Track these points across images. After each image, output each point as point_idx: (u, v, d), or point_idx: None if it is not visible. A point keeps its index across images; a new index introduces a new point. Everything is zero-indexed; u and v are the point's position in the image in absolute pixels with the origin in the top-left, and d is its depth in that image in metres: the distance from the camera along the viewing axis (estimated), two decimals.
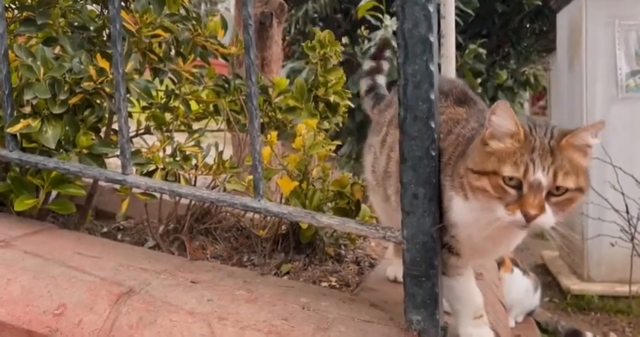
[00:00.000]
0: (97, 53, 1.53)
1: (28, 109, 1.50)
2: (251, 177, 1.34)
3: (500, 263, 3.04)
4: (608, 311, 3.80)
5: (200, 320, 1.12)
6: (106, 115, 1.67)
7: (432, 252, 1.05)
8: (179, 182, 1.58)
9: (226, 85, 1.85)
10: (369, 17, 4.89)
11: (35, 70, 1.47)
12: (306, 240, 1.62)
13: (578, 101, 4.13)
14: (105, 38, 1.69)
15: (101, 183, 1.81)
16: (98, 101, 1.58)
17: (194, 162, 1.62)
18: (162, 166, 1.55)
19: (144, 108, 1.78)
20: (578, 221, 3.79)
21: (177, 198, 1.63)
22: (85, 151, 1.52)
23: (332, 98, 1.96)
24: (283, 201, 1.58)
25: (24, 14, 1.65)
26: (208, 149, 1.67)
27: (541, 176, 0.91)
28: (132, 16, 1.57)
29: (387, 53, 1.63)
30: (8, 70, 1.46)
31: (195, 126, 1.86)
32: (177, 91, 1.78)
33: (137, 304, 1.17)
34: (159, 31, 1.59)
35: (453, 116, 1.15)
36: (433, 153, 1.02)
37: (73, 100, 1.51)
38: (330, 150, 1.68)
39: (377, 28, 4.94)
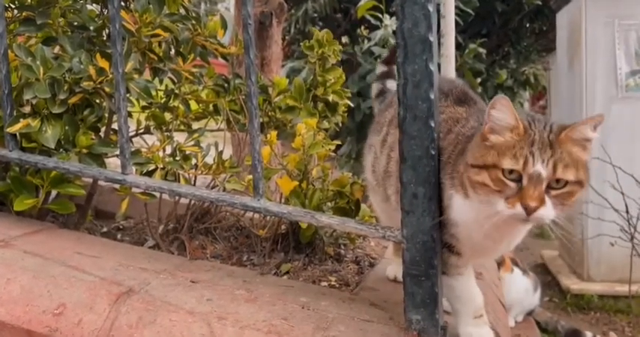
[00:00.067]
0: (97, 53, 1.53)
1: (27, 109, 1.50)
2: (251, 176, 1.34)
3: (500, 263, 3.04)
4: (608, 310, 3.80)
5: (200, 320, 1.12)
6: (106, 115, 1.67)
7: (431, 251, 1.05)
8: (179, 181, 1.58)
9: (226, 85, 1.85)
10: (368, 17, 4.89)
11: (35, 69, 1.47)
12: (305, 239, 1.62)
13: (578, 101, 4.13)
14: (104, 38, 1.69)
15: (101, 182, 1.81)
16: (98, 101, 1.58)
17: (194, 161, 1.62)
18: (161, 166, 1.55)
19: (143, 108, 1.78)
20: (578, 221, 3.80)
21: (177, 197, 1.63)
22: (84, 151, 1.52)
23: (331, 97, 1.96)
24: (283, 200, 1.58)
25: (23, 14, 1.65)
26: (208, 149, 1.67)
27: (540, 168, 0.92)
28: (131, 16, 1.57)
29: None
30: (8, 69, 1.46)
31: (195, 125, 1.86)
32: (176, 91, 1.78)
33: (137, 304, 1.17)
34: (158, 31, 1.59)
35: (453, 115, 1.15)
36: (433, 153, 1.02)
37: (73, 100, 1.51)
38: (329, 149, 1.68)
39: (377, 27, 4.94)
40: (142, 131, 1.81)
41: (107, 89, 1.50)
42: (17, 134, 1.49)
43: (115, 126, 1.63)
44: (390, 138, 1.25)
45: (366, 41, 5.01)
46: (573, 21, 4.27)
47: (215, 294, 1.23)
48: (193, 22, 1.74)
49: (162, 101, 1.79)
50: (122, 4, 1.67)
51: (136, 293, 1.21)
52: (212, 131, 1.92)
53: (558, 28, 4.74)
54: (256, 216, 1.73)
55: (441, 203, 1.05)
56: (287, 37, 5.96)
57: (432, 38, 0.99)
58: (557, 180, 0.93)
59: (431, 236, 1.04)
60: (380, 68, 1.62)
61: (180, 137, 1.71)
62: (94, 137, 1.57)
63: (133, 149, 1.50)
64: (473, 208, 1.00)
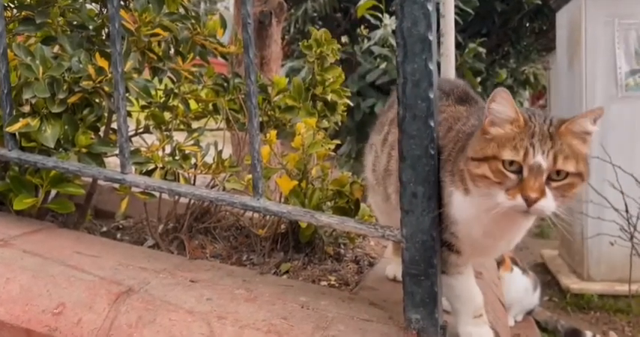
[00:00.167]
0: (96, 52, 1.52)
1: (27, 108, 1.50)
2: (250, 176, 1.33)
3: (500, 262, 3.04)
4: (608, 310, 3.80)
5: (199, 319, 1.12)
6: (105, 114, 1.67)
7: (431, 250, 1.05)
8: (178, 181, 1.58)
9: (225, 84, 1.85)
10: (368, 16, 4.89)
11: (34, 69, 1.47)
12: (305, 239, 1.62)
13: (577, 100, 4.13)
14: (104, 37, 1.69)
15: (100, 182, 1.81)
16: (97, 100, 1.58)
17: (193, 161, 1.62)
18: (161, 165, 1.55)
19: (143, 107, 1.77)
20: (578, 220, 3.80)
21: (177, 197, 1.63)
22: (84, 150, 1.52)
23: (330, 97, 1.96)
24: (282, 200, 1.58)
25: (23, 13, 1.65)
26: (207, 148, 1.67)
27: (541, 159, 0.92)
28: (131, 15, 1.56)
29: None
30: (7, 69, 1.46)
31: (195, 125, 1.86)
32: (176, 90, 1.78)
33: (136, 303, 1.17)
34: (158, 30, 1.59)
35: (454, 114, 1.16)
36: (432, 152, 1.02)
37: (72, 99, 1.50)
38: (329, 149, 1.68)
39: (376, 27, 4.94)
40: (141, 130, 1.81)
41: (106, 88, 1.50)
42: (16, 133, 1.49)
43: (114, 125, 1.63)
44: (390, 137, 1.25)
45: (365, 41, 5.01)
46: (573, 20, 4.27)
47: (215, 294, 1.23)
48: (193, 21, 1.74)
49: (162, 100, 1.79)
50: (121, 3, 1.67)
51: (136, 293, 1.21)
52: (211, 130, 1.92)
53: (558, 28, 4.74)
54: (256, 215, 1.73)
55: (441, 201, 1.05)
56: (286, 37, 5.95)
57: (432, 37, 0.99)
58: (558, 172, 0.93)
59: (430, 235, 1.04)
60: None
61: (179, 136, 1.71)
62: (93, 136, 1.57)
63: (132, 148, 1.50)
64: (473, 204, 1.00)
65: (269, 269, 1.54)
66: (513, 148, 0.93)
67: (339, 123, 2.08)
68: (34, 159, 1.44)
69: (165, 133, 1.68)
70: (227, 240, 1.77)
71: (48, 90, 1.46)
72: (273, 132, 1.62)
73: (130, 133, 1.58)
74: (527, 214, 0.94)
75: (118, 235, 1.85)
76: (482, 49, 5.03)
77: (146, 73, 1.70)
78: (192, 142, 1.67)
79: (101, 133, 1.68)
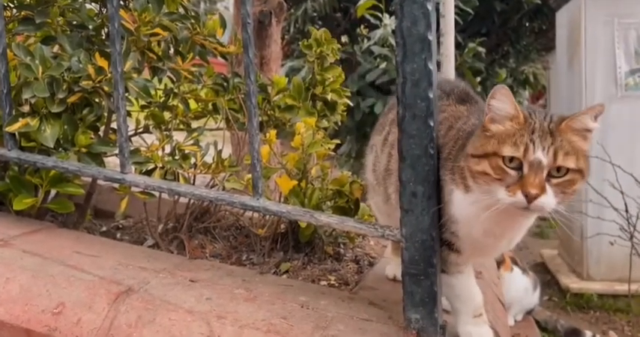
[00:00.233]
0: (96, 52, 1.52)
1: (26, 108, 1.50)
2: (250, 175, 1.33)
3: (500, 262, 3.04)
4: (608, 309, 3.80)
5: (199, 319, 1.12)
6: (105, 114, 1.67)
7: (430, 250, 1.05)
8: (178, 181, 1.58)
9: (225, 84, 1.85)
10: (368, 16, 4.88)
11: (34, 68, 1.47)
12: (305, 238, 1.62)
13: (577, 100, 4.13)
14: (103, 37, 1.69)
15: (100, 182, 1.81)
16: (97, 100, 1.58)
17: (193, 160, 1.62)
18: (161, 165, 1.55)
19: (143, 107, 1.77)
20: (578, 220, 3.80)
21: (176, 196, 1.63)
22: (83, 150, 1.52)
23: (329, 96, 1.96)
24: (282, 199, 1.58)
25: (22, 13, 1.65)
26: (207, 148, 1.67)
27: (541, 155, 0.92)
28: (130, 15, 1.56)
29: None
30: (7, 68, 1.46)
31: (194, 124, 1.86)
32: (176, 90, 1.78)
33: (136, 303, 1.17)
34: (157, 30, 1.59)
35: (454, 113, 1.16)
36: (432, 152, 1.02)
37: (72, 99, 1.50)
38: (329, 148, 1.68)
39: (376, 26, 4.94)
40: (141, 130, 1.81)
41: (106, 88, 1.50)
42: (16, 133, 1.49)
43: (114, 125, 1.63)
44: (391, 137, 1.25)
45: (365, 40, 5.00)
46: (573, 20, 4.27)
47: (214, 293, 1.23)
48: (192, 21, 1.74)
49: (162, 100, 1.79)
50: (121, 3, 1.67)
51: (135, 293, 1.21)
52: (211, 130, 1.92)
53: (558, 27, 4.74)
54: (255, 215, 1.73)
55: (441, 200, 1.05)
56: (286, 36, 5.95)
57: (431, 37, 0.99)
58: (558, 169, 0.93)
59: (430, 235, 1.04)
60: None
61: (179, 136, 1.71)
62: (93, 136, 1.57)
63: (132, 148, 1.49)
64: (473, 202, 1.00)
65: (269, 268, 1.54)
66: (513, 144, 0.93)
67: (339, 123, 2.08)
68: (33, 158, 1.44)
69: (164, 133, 1.68)
70: (227, 240, 1.77)
71: (47, 89, 1.46)
72: (272, 132, 1.62)
73: (130, 133, 1.58)
74: (527, 211, 0.93)
75: (118, 235, 1.85)
76: (481, 49, 5.03)
77: (146, 73, 1.70)
78: (191, 142, 1.67)
79: (101, 133, 1.68)
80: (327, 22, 5.83)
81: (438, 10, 3.23)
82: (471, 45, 4.97)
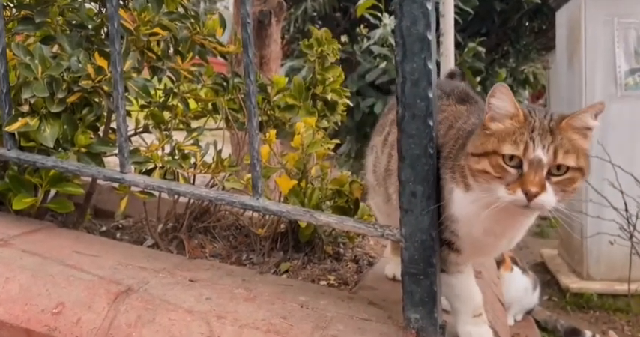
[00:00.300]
0: (95, 51, 1.52)
1: (26, 108, 1.49)
2: (249, 175, 1.33)
3: (500, 262, 3.04)
4: (607, 309, 3.80)
5: (199, 319, 1.12)
6: (105, 114, 1.67)
7: (430, 250, 1.05)
8: (178, 180, 1.58)
9: (225, 84, 1.85)
10: (368, 16, 4.88)
11: (33, 68, 1.46)
12: (304, 238, 1.62)
13: (577, 99, 4.13)
14: (103, 36, 1.69)
15: (100, 181, 1.81)
16: (96, 100, 1.58)
17: (193, 160, 1.62)
18: (160, 165, 1.55)
19: (142, 107, 1.77)
20: (578, 219, 3.80)
21: (176, 196, 1.63)
22: (83, 150, 1.52)
23: (330, 96, 1.96)
24: (282, 199, 1.58)
25: (22, 13, 1.65)
26: (207, 147, 1.67)
27: (541, 153, 0.92)
28: (130, 15, 1.56)
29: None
30: (6, 68, 1.46)
31: (194, 124, 1.86)
32: (175, 90, 1.78)
33: (136, 302, 1.17)
34: (157, 30, 1.59)
35: (454, 113, 1.16)
36: (431, 151, 1.02)
37: (72, 99, 1.50)
38: (328, 148, 1.68)
39: (376, 26, 4.94)
40: (140, 130, 1.81)
41: (106, 88, 1.50)
42: (16, 133, 1.49)
43: (113, 124, 1.63)
44: (391, 138, 1.25)
45: (365, 40, 5.00)
46: (573, 19, 4.27)
47: (214, 293, 1.23)
48: (192, 20, 1.74)
49: (161, 100, 1.79)
50: (120, 2, 1.67)
51: (135, 292, 1.21)
52: (211, 130, 1.92)
53: (557, 27, 4.74)
54: (255, 215, 1.73)
55: (441, 200, 1.05)
56: (286, 36, 5.95)
57: (431, 36, 0.99)
58: (558, 167, 0.93)
59: (429, 234, 1.04)
60: None
61: (179, 136, 1.71)
62: (92, 136, 1.57)
63: (131, 148, 1.49)
64: (474, 201, 1.00)
65: (268, 268, 1.54)
66: (513, 143, 0.93)
67: (339, 123, 2.08)
68: (33, 158, 1.44)
69: (164, 133, 1.67)
70: (226, 240, 1.77)
71: (47, 89, 1.46)
72: (272, 132, 1.62)
73: (130, 133, 1.58)
74: (527, 209, 0.93)
75: (118, 235, 1.85)
76: (481, 49, 5.03)
77: (145, 73, 1.70)
78: (191, 142, 1.66)
79: (100, 133, 1.68)
80: (327, 22, 5.83)
81: (437, 9, 3.24)
82: (471, 44, 4.97)
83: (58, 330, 1.15)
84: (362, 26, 5.09)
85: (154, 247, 1.67)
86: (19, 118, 1.46)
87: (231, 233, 1.81)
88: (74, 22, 1.66)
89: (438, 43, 3.29)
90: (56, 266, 1.30)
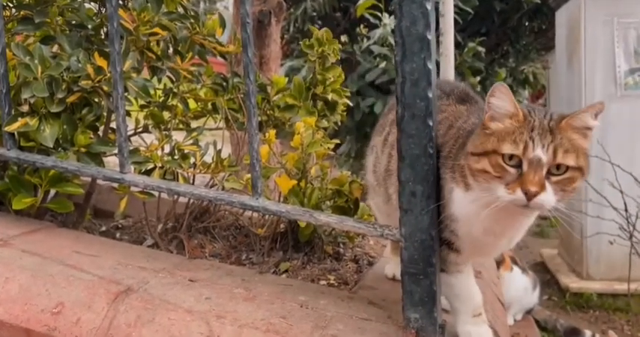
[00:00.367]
0: (95, 51, 1.52)
1: (25, 108, 1.49)
2: (249, 175, 1.33)
3: (500, 262, 3.04)
4: (607, 309, 3.81)
5: (198, 319, 1.12)
6: (104, 114, 1.67)
7: (430, 249, 1.05)
8: (177, 180, 1.58)
9: (224, 84, 1.85)
10: (367, 15, 4.88)
11: (33, 68, 1.46)
12: (304, 238, 1.62)
13: (577, 99, 4.13)
14: (103, 36, 1.69)
15: (99, 181, 1.81)
16: (96, 99, 1.58)
17: (192, 160, 1.62)
18: (160, 165, 1.55)
19: (142, 107, 1.77)
20: (577, 219, 3.80)
21: (176, 196, 1.63)
22: (83, 150, 1.52)
23: (330, 96, 1.96)
24: (281, 199, 1.58)
25: (22, 13, 1.65)
26: (206, 147, 1.67)
27: (540, 153, 0.92)
28: (129, 15, 1.56)
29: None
30: (6, 68, 1.46)
31: (194, 124, 1.86)
32: (175, 90, 1.78)
33: (135, 302, 1.17)
34: (157, 30, 1.59)
35: (454, 113, 1.16)
36: (431, 151, 1.02)
37: (71, 99, 1.50)
38: (328, 148, 1.68)
39: (376, 26, 4.94)
40: (140, 130, 1.81)
41: (105, 88, 1.50)
42: (15, 133, 1.49)
43: (113, 124, 1.63)
44: (391, 138, 1.25)
45: (365, 40, 5.00)
46: (572, 19, 4.27)
47: (214, 293, 1.23)
48: (192, 20, 1.74)
49: (161, 100, 1.79)
50: (120, 2, 1.66)
51: (135, 292, 1.21)
52: (211, 130, 1.92)
53: (557, 27, 4.74)
54: (255, 214, 1.73)
55: (441, 199, 1.05)
56: (286, 36, 5.95)
57: (430, 36, 0.99)
58: (558, 166, 0.93)
59: (429, 234, 1.04)
60: None
61: (178, 136, 1.71)
62: (92, 136, 1.57)
63: (131, 148, 1.49)
64: (473, 201, 1.00)
65: (268, 268, 1.54)
66: (513, 142, 0.94)
67: (339, 123, 2.08)
68: (32, 158, 1.44)
69: (164, 133, 1.68)
70: (226, 240, 1.77)
71: (47, 89, 1.46)
72: (272, 132, 1.62)
73: (129, 133, 1.58)
74: (527, 208, 0.93)
75: (117, 234, 1.85)
76: (481, 48, 5.03)
77: (145, 73, 1.69)
78: (191, 142, 1.66)
79: (100, 133, 1.68)
80: (327, 22, 5.83)
81: (437, 9, 3.23)
82: (471, 44, 4.98)
83: (58, 330, 1.15)
84: (362, 26, 5.09)
85: (154, 247, 1.67)
86: (19, 118, 1.46)
87: (231, 233, 1.81)
88: (74, 22, 1.66)
89: (438, 42, 3.29)
90: (56, 266, 1.30)
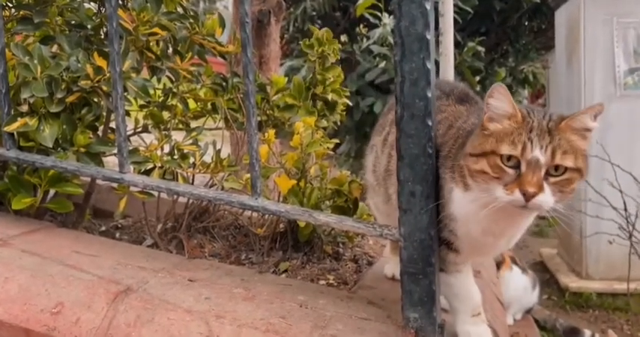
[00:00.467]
0: (94, 51, 1.52)
1: (25, 108, 1.49)
2: (249, 175, 1.33)
3: (500, 263, 3.05)
4: (607, 308, 3.81)
5: (198, 318, 1.12)
6: (104, 114, 1.67)
7: (429, 249, 1.05)
8: (177, 180, 1.58)
9: (224, 83, 1.85)
10: (367, 15, 4.88)
11: (32, 68, 1.46)
12: (304, 238, 1.62)
13: (576, 99, 4.13)
14: (102, 36, 1.69)
15: (99, 181, 1.81)
16: (95, 99, 1.58)
17: (192, 160, 1.62)
18: (159, 165, 1.55)
19: (141, 107, 1.77)
20: (577, 219, 3.80)
21: (175, 196, 1.63)
22: (82, 150, 1.52)
23: (330, 96, 1.96)
24: (281, 199, 1.58)
25: (21, 13, 1.65)
26: (206, 147, 1.67)
27: (539, 154, 0.92)
28: (129, 14, 1.56)
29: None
30: (5, 68, 1.46)
31: (193, 124, 1.86)
32: (174, 90, 1.78)
33: (135, 302, 1.17)
34: (156, 30, 1.59)
35: (454, 113, 1.16)
36: (430, 151, 1.02)
37: (71, 99, 1.50)
38: (328, 148, 1.68)
39: (375, 26, 4.94)
40: (139, 130, 1.81)
41: (105, 88, 1.50)
42: (15, 133, 1.49)
43: (112, 124, 1.63)
44: (390, 138, 1.25)
45: (365, 40, 5.01)
46: (572, 19, 4.27)
47: (213, 293, 1.23)
48: (191, 20, 1.74)
49: (160, 100, 1.79)
50: (119, 2, 1.66)
51: (134, 292, 1.21)
52: (210, 130, 1.92)
53: (557, 26, 4.74)
54: (254, 214, 1.73)
55: (441, 199, 1.05)
56: (286, 36, 5.95)
57: (429, 36, 0.99)
58: (556, 167, 0.93)
59: (428, 234, 1.04)
60: None
61: (178, 136, 1.71)
62: (91, 136, 1.56)
63: (130, 148, 1.49)
64: (472, 201, 1.00)
65: (268, 268, 1.54)
66: (511, 143, 0.94)
67: (338, 122, 2.08)
68: (32, 158, 1.44)
69: (163, 132, 1.68)
70: (226, 239, 1.77)
71: (46, 89, 1.46)
72: (271, 132, 1.62)
73: (129, 133, 1.58)
74: (525, 209, 0.93)
75: (117, 234, 1.86)
76: (481, 48, 5.03)
77: (144, 73, 1.69)
78: (190, 141, 1.67)
79: (100, 133, 1.68)
80: (327, 21, 5.83)
81: (437, 8, 3.23)
82: (471, 44, 4.98)
83: (57, 330, 1.15)
84: (361, 25, 5.10)
85: (153, 247, 1.67)
86: (18, 118, 1.46)
87: (231, 232, 1.81)
88: (73, 22, 1.66)
89: (438, 42, 3.29)
90: (55, 266, 1.30)
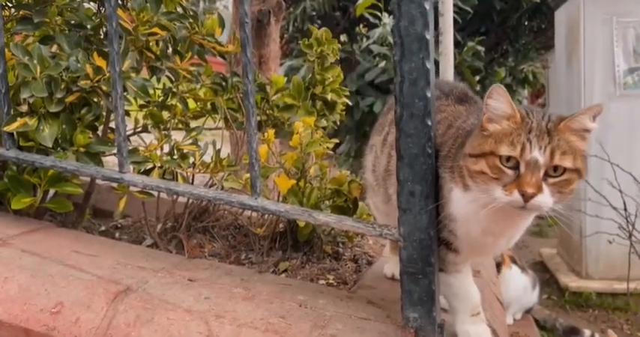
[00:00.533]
0: (94, 51, 1.52)
1: (24, 108, 1.50)
2: (248, 175, 1.34)
3: (500, 264, 3.05)
4: (606, 308, 3.81)
5: (197, 318, 1.12)
6: (103, 114, 1.67)
7: (428, 249, 1.05)
8: (176, 180, 1.58)
9: (224, 83, 1.85)
10: (367, 15, 4.88)
11: (32, 68, 1.46)
12: (303, 238, 1.62)
13: (576, 98, 4.14)
14: (102, 36, 1.69)
15: (99, 181, 1.81)
16: (95, 99, 1.58)
17: (191, 160, 1.62)
18: (159, 164, 1.55)
19: (141, 107, 1.77)
20: (576, 218, 3.80)
21: (175, 196, 1.63)
22: (82, 150, 1.52)
23: (329, 96, 1.96)
24: (281, 199, 1.58)
25: (21, 12, 1.65)
26: (206, 147, 1.67)
27: (538, 155, 0.92)
28: (128, 14, 1.56)
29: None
30: (5, 68, 1.46)
31: (193, 124, 1.86)
32: (174, 89, 1.78)
33: (134, 302, 1.17)
34: (156, 29, 1.59)
35: (453, 113, 1.16)
36: (429, 151, 1.02)
37: (70, 99, 1.50)
38: (327, 147, 1.68)
39: (375, 25, 4.94)
40: (139, 130, 1.81)
41: (104, 88, 1.50)
42: (14, 133, 1.49)
43: (112, 124, 1.63)
44: (390, 138, 1.25)
45: (364, 39, 5.01)
46: (572, 18, 4.27)
47: (213, 293, 1.23)
48: (191, 20, 1.74)
49: (160, 100, 1.79)
50: (119, 2, 1.66)
51: (134, 292, 1.21)
52: (210, 129, 1.92)
53: (557, 26, 4.74)
54: (254, 214, 1.73)
55: (440, 199, 1.05)
56: (285, 35, 5.95)
57: (429, 36, 0.99)
58: (555, 168, 0.93)
59: (428, 233, 1.04)
60: None
61: (177, 135, 1.71)
62: (91, 136, 1.56)
63: (130, 148, 1.50)
64: (472, 201, 1.00)
65: (267, 268, 1.54)
66: (510, 144, 0.94)
67: (338, 122, 2.08)
68: (32, 158, 1.44)
69: (163, 132, 1.68)
70: (225, 239, 1.77)
71: (46, 89, 1.46)
72: (271, 131, 1.62)
73: (128, 132, 1.58)
74: (524, 210, 0.93)
75: (117, 234, 1.86)
76: (480, 48, 5.03)
77: (144, 72, 1.69)
78: (190, 141, 1.67)
79: (99, 132, 1.68)
80: (326, 21, 5.83)
81: (436, 8, 3.23)
82: (470, 44, 4.98)
83: (57, 330, 1.15)
84: (361, 25, 5.10)
85: (153, 247, 1.67)
86: (18, 118, 1.46)
87: (230, 232, 1.81)
88: (73, 22, 1.66)
89: (437, 42, 3.29)
90: (55, 265, 1.30)
